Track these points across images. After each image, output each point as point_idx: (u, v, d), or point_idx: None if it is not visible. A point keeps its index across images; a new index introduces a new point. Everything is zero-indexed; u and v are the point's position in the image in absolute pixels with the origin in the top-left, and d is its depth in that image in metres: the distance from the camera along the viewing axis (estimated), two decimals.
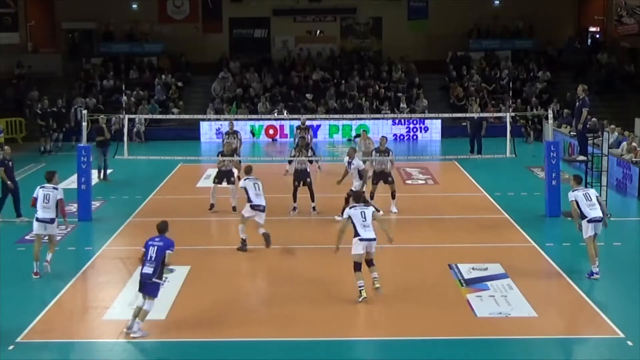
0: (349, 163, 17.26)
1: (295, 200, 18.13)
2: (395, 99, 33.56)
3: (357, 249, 12.16)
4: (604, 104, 32.34)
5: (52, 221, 13.79)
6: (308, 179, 18.19)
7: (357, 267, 12.18)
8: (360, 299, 12.07)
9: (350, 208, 12.58)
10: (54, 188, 14.01)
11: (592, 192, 13.60)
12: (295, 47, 38.11)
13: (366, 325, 11.59)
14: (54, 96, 31.42)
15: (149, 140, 31.38)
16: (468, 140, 27.30)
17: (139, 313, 11.05)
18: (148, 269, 10.99)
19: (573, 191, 13.55)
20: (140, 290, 11.18)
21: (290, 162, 19.87)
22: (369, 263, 12.30)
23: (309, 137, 22.19)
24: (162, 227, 11.41)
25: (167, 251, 11.04)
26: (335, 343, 10.95)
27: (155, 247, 11.05)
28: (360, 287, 12.10)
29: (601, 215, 13.27)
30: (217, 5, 37.46)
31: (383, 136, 19.00)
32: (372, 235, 12.19)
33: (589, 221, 13.17)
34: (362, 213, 12.27)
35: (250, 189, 14.92)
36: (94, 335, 11.30)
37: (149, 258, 11.02)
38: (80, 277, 13.82)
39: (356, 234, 12.17)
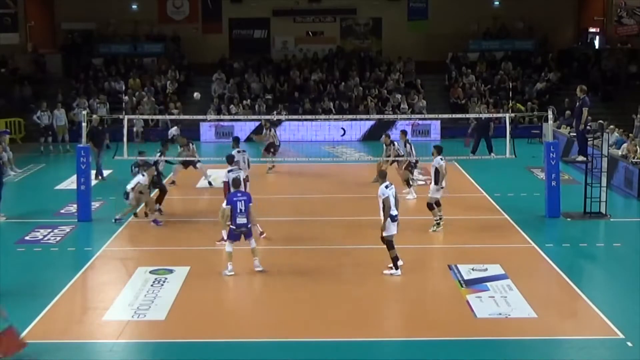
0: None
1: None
2: (394, 99, 33.53)
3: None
4: (604, 105, 32.33)
5: None
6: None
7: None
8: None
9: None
10: None
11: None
12: (295, 47, 38.11)
13: (366, 326, 11.58)
14: (54, 97, 31.40)
15: (148, 141, 31.32)
16: (471, 141, 27.19)
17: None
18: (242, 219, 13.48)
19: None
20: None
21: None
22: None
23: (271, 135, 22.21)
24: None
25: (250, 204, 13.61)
26: (335, 344, 10.95)
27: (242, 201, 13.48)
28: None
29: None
30: (217, 6, 37.48)
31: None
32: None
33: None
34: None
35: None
36: (93, 336, 11.30)
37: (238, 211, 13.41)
38: (80, 278, 13.83)
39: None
